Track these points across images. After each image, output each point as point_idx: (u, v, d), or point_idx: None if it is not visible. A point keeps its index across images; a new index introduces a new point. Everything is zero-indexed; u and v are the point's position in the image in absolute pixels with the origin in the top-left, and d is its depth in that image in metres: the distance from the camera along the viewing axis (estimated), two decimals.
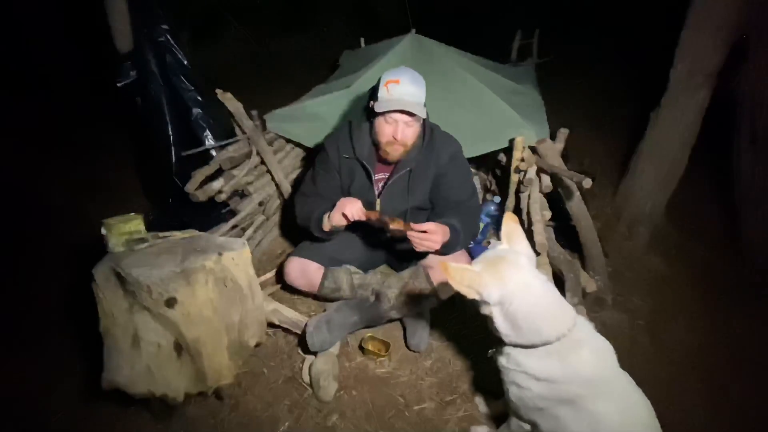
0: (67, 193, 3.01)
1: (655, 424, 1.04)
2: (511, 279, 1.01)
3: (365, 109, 1.61)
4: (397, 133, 1.51)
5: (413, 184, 1.64)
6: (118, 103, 2.49)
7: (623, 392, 1.05)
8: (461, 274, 1.02)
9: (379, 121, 1.53)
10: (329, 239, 1.70)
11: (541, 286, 1.03)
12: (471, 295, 1.03)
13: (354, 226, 1.54)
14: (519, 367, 1.07)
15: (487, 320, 1.08)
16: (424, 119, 1.58)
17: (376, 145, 1.60)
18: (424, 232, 1.47)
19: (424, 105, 1.53)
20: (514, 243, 1.09)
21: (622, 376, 1.07)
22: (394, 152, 1.56)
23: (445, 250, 1.56)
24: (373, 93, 1.55)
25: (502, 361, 1.12)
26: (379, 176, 1.69)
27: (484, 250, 2.13)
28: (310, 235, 1.71)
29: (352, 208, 1.50)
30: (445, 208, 1.67)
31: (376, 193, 1.68)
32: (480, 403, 1.56)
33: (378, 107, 1.48)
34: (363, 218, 1.51)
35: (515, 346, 1.06)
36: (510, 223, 1.13)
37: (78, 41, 4.05)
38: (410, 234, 1.47)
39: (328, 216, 1.58)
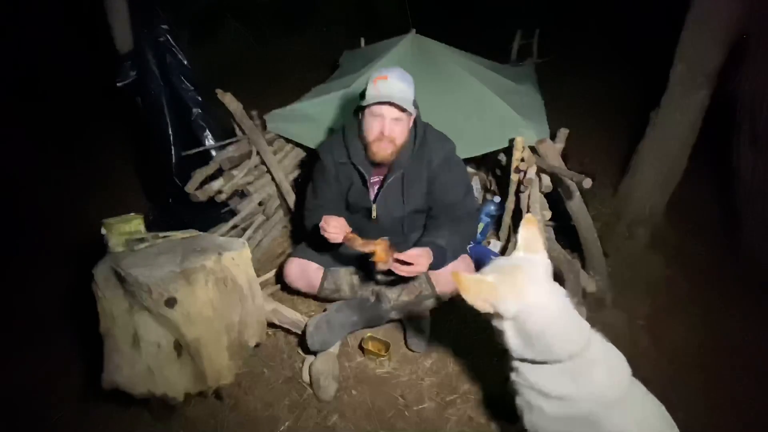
0: (67, 193, 3.02)
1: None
2: (528, 294, 0.95)
3: (355, 110, 1.60)
4: (385, 128, 1.48)
5: (407, 187, 1.62)
6: (118, 103, 2.49)
7: (638, 404, 1.02)
8: (476, 286, 0.95)
9: (366, 118, 1.51)
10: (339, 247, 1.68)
11: (559, 303, 0.98)
12: (485, 308, 0.96)
13: (355, 229, 1.53)
14: (527, 383, 1.03)
15: (494, 331, 1.03)
16: (415, 120, 1.57)
17: (365, 145, 1.57)
18: (409, 264, 1.41)
19: (415, 105, 1.51)
20: (532, 251, 1.02)
21: (635, 387, 1.03)
22: (383, 151, 1.51)
23: (432, 269, 1.53)
24: (362, 93, 1.53)
25: (513, 376, 1.08)
26: (375, 180, 1.67)
27: (485, 250, 2.15)
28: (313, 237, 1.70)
29: (331, 230, 1.45)
30: (440, 211, 1.65)
31: (372, 198, 1.66)
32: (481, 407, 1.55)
33: (365, 102, 1.47)
34: (340, 240, 1.45)
35: (523, 360, 1.02)
36: (530, 228, 1.04)
37: (78, 41, 4.05)
38: (394, 266, 1.41)
39: None
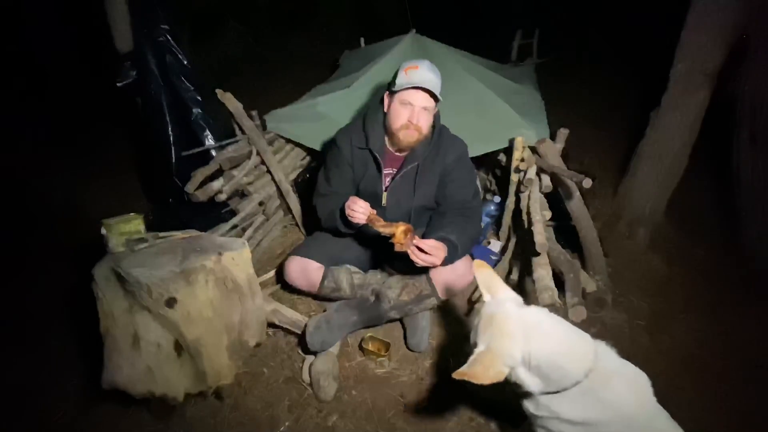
0: (67, 193, 3.02)
1: None
2: (517, 331, 0.92)
3: (381, 100, 1.64)
4: (413, 117, 1.52)
5: (420, 180, 1.65)
6: (118, 103, 2.49)
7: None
8: (480, 367, 0.90)
9: (395, 106, 1.55)
10: (355, 231, 1.69)
11: (549, 322, 0.96)
12: (504, 374, 0.91)
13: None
14: (551, 413, 0.99)
15: (508, 383, 0.98)
16: (434, 117, 1.61)
17: (389, 133, 1.61)
18: (427, 253, 1.43)
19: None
20: (495, 292, 1.02)
21: (662, 416, 0.99)
22: (409, 138, 1.56)
23: (442, 265, 1.54)
24: (391, 83, 1.58)
25: (531, 408, 1.04)
26: (388, 171, 1.69)
27: (484, 250, 2.15)
28: (313, 233, 1.69)
29: (357, 210, 1.48)
30: (448, 207, 1.67)
31: (383, 187, 1.68)
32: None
33: (396, 88, 1.52)
34: (364, 221, 1.48)
35: (544, 393, 0.98)
36: (483, 272, 1.05)
37: (78, 41, 4.06)
38: (412, 250, 1.43)
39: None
